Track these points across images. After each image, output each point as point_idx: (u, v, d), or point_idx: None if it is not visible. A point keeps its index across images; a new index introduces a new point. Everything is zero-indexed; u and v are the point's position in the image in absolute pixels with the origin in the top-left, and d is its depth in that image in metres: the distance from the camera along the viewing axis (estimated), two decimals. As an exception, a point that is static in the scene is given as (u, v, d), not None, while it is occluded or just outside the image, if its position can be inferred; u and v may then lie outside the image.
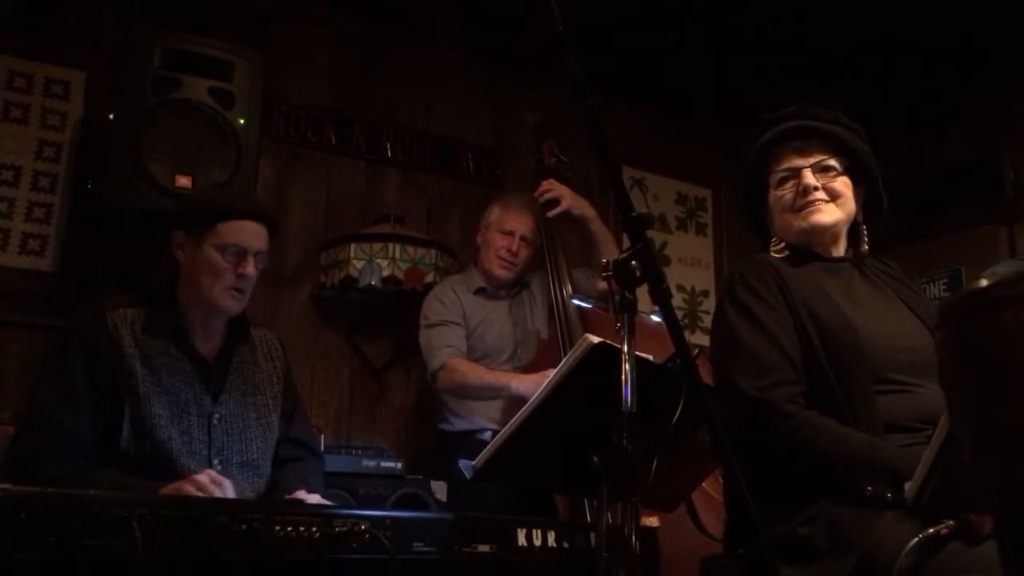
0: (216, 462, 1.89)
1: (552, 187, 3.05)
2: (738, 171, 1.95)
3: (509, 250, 3.04)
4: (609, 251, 2.99)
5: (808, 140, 1.82)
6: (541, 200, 3.04)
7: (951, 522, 1.39)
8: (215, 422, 1.92)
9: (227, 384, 1.98)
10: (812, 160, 1.80)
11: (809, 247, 1.83)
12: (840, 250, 1.85)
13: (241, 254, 1.94)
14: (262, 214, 2.01)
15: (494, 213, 3.12)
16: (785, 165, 1.82)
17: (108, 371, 1.84)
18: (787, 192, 1.82)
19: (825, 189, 1.79)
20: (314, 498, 1.84)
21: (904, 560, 1.36)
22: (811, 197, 1.78)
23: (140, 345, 1.88)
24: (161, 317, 1.94)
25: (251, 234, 1.96)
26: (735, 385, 1.63)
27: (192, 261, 1.94)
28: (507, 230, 3.06)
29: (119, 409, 1.83)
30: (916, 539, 1.37)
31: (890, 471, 1.47)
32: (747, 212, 1.95)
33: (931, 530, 1.38)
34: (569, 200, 3.04)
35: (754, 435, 1.58)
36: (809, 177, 1.79)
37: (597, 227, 3.08)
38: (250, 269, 1.94)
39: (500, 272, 3.06)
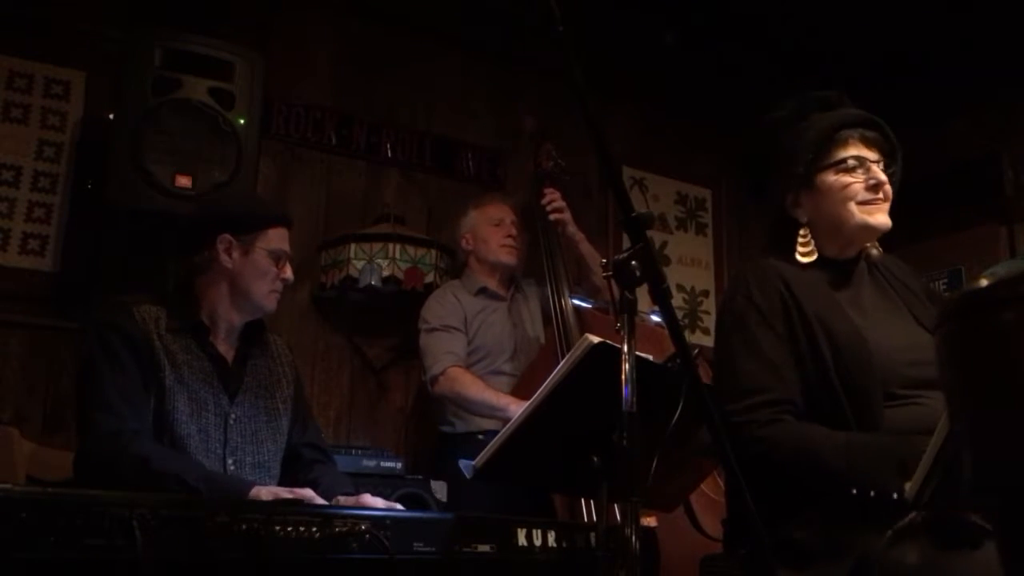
0: (231, 462, 1.92)
1: (557, 199, 3.13)
2: (782, 141, 1.78)
3: (509, 235, 3.12)
4: (597, 271, 3.08)
5: (875, 133, 1.76)
6: (548, 207, 3.11)
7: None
8: (231, 422, 1.95)
9: (243, 385, 2.01)
10: (877, 156, 1.74)
11: (851, 245, 1.76)
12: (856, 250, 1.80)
13: (284, 258, 2.05)
14: (291, 220, 2.13)
15: (471, 216, 3.21)
16: (853, 152, 1.73)
17: (145, 360, 1.87)
18: (855, 181, 1.72)
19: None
20: (378, 501, 1.86)
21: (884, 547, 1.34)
22: (881, 195, 1.72)
23: (163, 341, 1.92)
24: (183, 316, 1.97)
25: (287, 239, 2.08)
26: (722, 406, 1.61)
27: (241, 265, 1.99)
28: (496, 220, 3.13)
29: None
30: (890, 532, 1.35)
31: (870, 471, 1.43)
32: (765, 188, 1.83)
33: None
34: (569, 215, 3.14)
35: (741, 455, 1.56)
36: (883, 173, 1.72)
37: (586, 248, 3.17)
38: (289, 273, 2.06)
39: (508, 259, 3.12)
